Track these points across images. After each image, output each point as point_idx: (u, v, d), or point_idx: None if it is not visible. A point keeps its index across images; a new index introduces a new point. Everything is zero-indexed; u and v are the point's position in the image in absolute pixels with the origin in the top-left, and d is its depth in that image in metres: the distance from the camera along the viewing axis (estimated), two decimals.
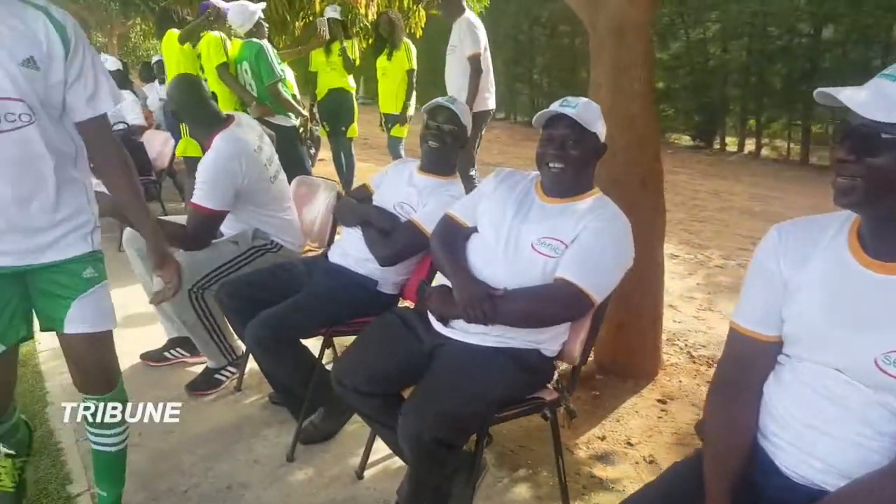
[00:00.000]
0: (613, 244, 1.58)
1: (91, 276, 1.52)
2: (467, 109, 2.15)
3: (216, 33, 4.02)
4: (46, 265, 1.46)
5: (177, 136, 4.47)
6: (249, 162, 2.38)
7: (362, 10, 5.80)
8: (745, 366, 1.16)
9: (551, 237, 1.59)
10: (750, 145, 8.40)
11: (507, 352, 1.60)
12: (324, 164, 6.54)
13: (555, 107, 1.64)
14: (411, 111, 5.29)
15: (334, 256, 2.23)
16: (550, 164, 1.63)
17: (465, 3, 4.21)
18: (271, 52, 4.04)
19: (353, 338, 1.86)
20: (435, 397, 1.51)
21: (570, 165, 1.62)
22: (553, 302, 1.55)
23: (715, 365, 2.89)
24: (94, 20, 9.96)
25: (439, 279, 1.77)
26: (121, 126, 4.87)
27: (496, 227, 1.67)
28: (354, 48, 5.35)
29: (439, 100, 2.11)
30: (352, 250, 2.17)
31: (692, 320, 3.34)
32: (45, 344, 2.85)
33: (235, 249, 2.44)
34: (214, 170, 2.29)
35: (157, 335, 2.82)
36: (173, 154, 4.50)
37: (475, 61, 4.06)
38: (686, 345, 3.06)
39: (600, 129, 1.66)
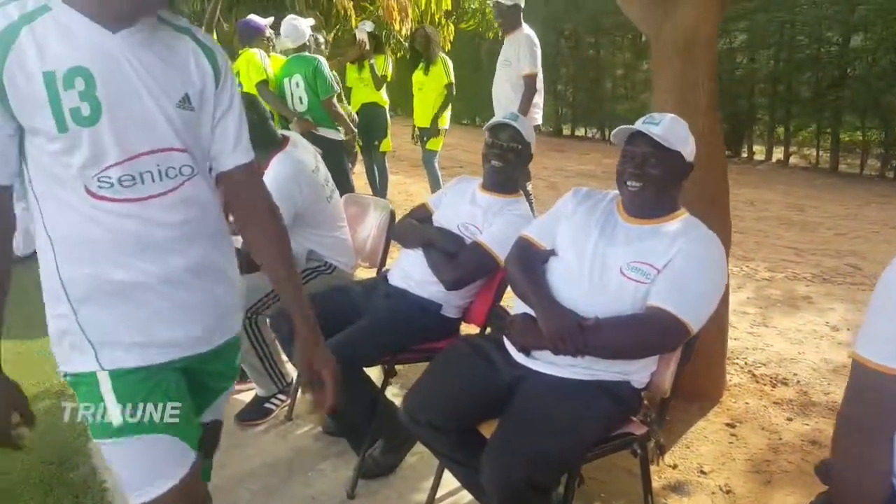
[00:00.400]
0: (710, 269, 1.51)
1: (238, 362, 1.31)
2: (530, 125, 2.07)
3: (254, 50, 4.02)
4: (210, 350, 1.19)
5: None
6: (309, 183, 2.32)
7: (396, 26, 5.78)
8: (880, 407, 1.05)
9: (642, 261, 1.51)
10: (778, 153, 8.26)
11: (597, 384, 1.51)
12: (355, 177, 6.54)
13: (637, 124, 1.57)
14: (446, 124, 5.26)
15: (394, 279, 2.15)
16: (628, 183, 1.57)
17: (521, 17, 4.11)
18: (327, 66, 4.03)
19: (410, 366, 1.79)
20: (524, 435, 1.42)
21: (650, 185, 1.55)
22: (649, 332, 1.47)
23: (779, 384, 2.83)
24: None
25: (514, 305, 1.69)
26: None
27: (579, 250, 1.59)
28: (386, 64, 5.33)
29: (501, 117, 2.04)
30: (414, 273, 2.09)
31: (748, 337, 3.22)
32: None
33: None
34: (275, 190, 2.23)
35: None
36: None
37: (531, 80, 3.96)
38: (746, 363, 2.94)
39: (685, 148, 1.58)
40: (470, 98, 9.94)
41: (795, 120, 8.01)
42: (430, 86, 5.19)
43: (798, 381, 2.78)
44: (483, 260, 1.93)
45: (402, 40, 6.18)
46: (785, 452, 2.28)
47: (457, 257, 1.98)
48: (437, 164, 5.44)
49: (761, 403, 2.60)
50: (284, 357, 2.36)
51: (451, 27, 6.49)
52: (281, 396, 2.44)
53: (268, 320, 2.28)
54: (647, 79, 9.65)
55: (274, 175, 2.26)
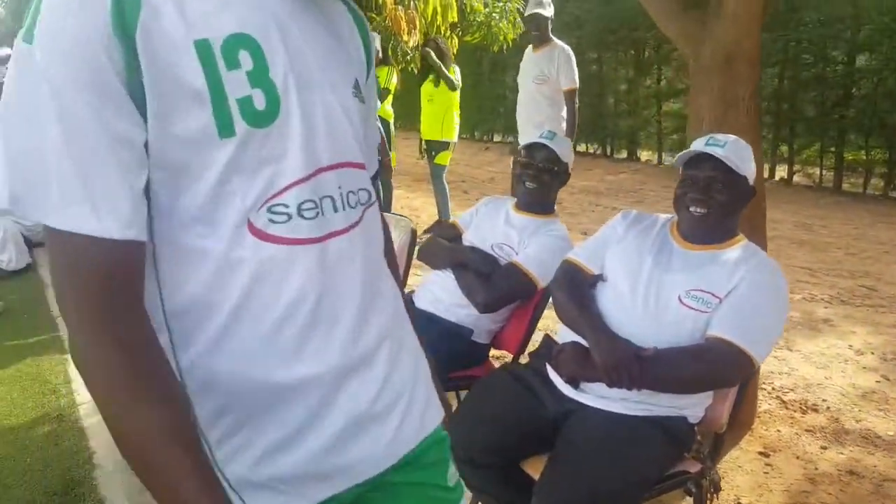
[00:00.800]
0: (774, 298, 1.43)
1: (455, 479, 0.89)
2: (568, 144, 1.99)
3: None
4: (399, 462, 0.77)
5: None
6: None
7: (404, 38, 5.71)
8: None
9: (702, 290, 1.43)
10: (781, 172, 8.26)
11: (653, 420, 1.42)
12: None
13: (698, 145, 1.48)
14: (454, 137, 5.20)
15: (422, 302, 2.05)
16: (692, 209, 1.48)
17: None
18: None
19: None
20: (577, 475, 1.32)
21: (716, 210, 1.46)
22: (712, 365, 1.38)
23: (809, 410, 2.75)
24: None
25: (557, 331, 1.60)
26: None
27: (632, 276, 1.50)
28: (391, 76, 5.25)
29: (537, 136, 1.96)
30: (443, 295, 1.99)
31: (773, 361, 3.13)
32: (85, 395, 2.67)
33: None
34: None
35: None
36: None
37: (572, 95, 3.83)
38: (773, 388, 2.86)
39: (750, 171, 1.50)
40: (471, 112, 9.90)
41: (799, 138, 8.02)
42: (440, 97, 5.10)
43: (828, 408, 2.70)
44: (519, 281, 1.84)
45: (408, 52, 6.09)
46: (823, 483, 2.19)
47: (491, 279, 1.89)
48: (445, 180, 5.36)
49: (793, 431, 2.51)
50: None
51: (456, 39, 6.43)
52: None
53: None
54: (649, 94, 9.68)
55: None
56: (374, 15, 5.53)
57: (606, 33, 9.47)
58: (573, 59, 3.87)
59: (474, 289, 1.90)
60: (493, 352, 2.11)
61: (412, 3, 5.98)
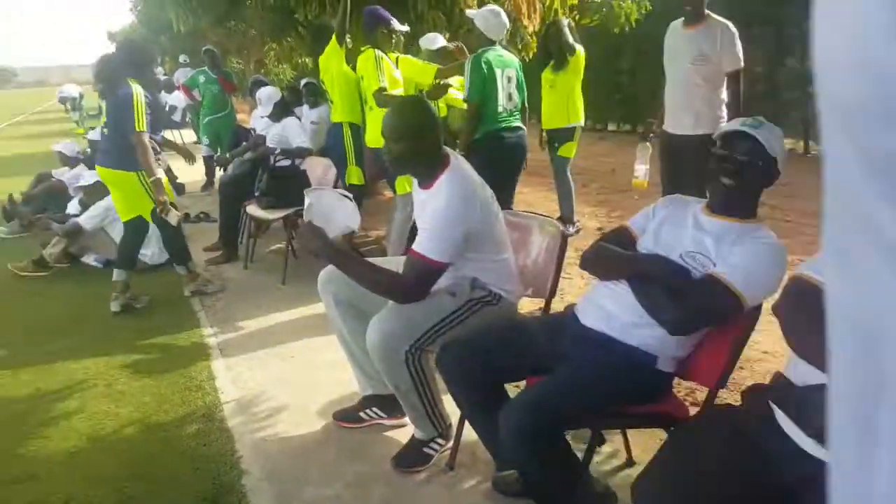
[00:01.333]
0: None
1: None
2: (779, 133, 1.64)
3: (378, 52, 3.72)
4: None
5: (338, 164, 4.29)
6: (482, 203, 2.03)
7: (525, 22, 5.42)
8: None
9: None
10: None
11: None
12: None
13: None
14: (581, 119, 4.93)
15: (589, 318, 1.79)
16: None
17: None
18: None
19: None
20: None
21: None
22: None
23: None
24: (234, 46, 10.42)
25: (788, 364, 1.28)
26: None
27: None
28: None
29: (739, 124, 1.63)
30: (617, 312, 1.72)
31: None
32: (229, 394, 2.66)
33: (453, 303, 2.08)
34: (447, 217, 1.96)
35: (348, 388, 2.54)
36: (335, 181, 4.33)
37: (737, 77, 3.39)
38: None
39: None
40: (584, 100, 9.40)
41: None
42: (562, 83, 4.76)
43: None
44: (720, 298, 1.53)
45: (529, 37, 5.79)
46: None
47: (684, 294, 1.60)
48: (569, 173, 5.03)
49: None
50: (445, 396, 2.09)
51: (573, 23, 6.05)
52: (440, 441, 2.16)
53: (434, 355, 2.01)
54: (793, 76, 8.68)
55: (446, 198, 1.98)
56: (489, 1, 5.28)
57: (747, 10, 8.55)
58: (737, 36, 3.39)
59: (662, 305, 1.61)
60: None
61: None
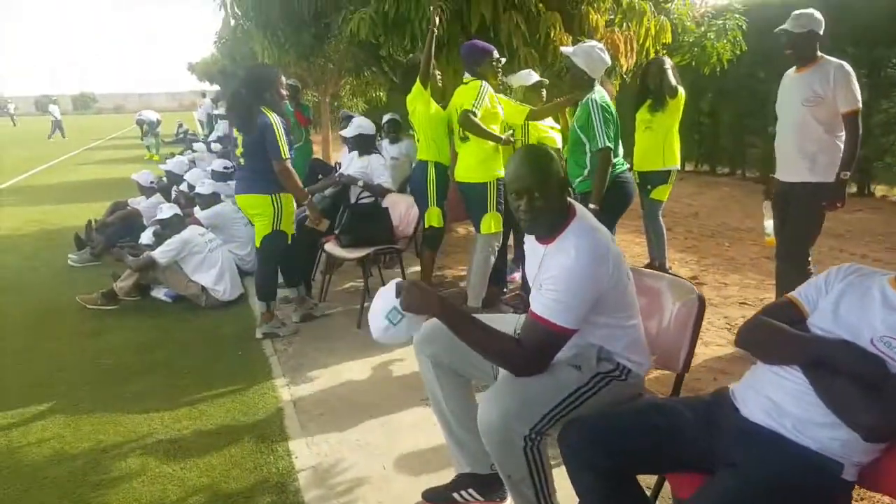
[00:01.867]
0: None
1: None
2: None
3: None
4: None
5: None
6: (615, 259, 1.72)
7: (622, 61, 5.15)
8: None
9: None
10: None
11: None
12: None
13: None
14: (678, 163, 4.66)
15: (751, 409, 1.44)
16: None
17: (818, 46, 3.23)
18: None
19: None
20: None
21: None
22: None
23: None
24: (312, 80, 10.60)
25: None
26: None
27: None
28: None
29: None
30: (789, 406, 1.37)
31: None
32: (303, 459, 2.38)
33: (578, 377, 1.75)
34: (578, 277, 1.65)
35: (436, 458, 2.23)
36: (418, 221, 4.10)
37: (855, 118, 3.07)
38: None
39: None
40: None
41: None
42: (659, 124, 4.51)
43: None
44: None
45: (624, 76, 5.50)
46: None
47: (882, 390, 1.25)
48: (661, 218, 4.67)
49: None
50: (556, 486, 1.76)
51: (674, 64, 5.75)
52: None
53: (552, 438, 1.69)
54: (888, 120, 8.05)
55: (577, 253, 1.68)
56: (584, 39, 5.03)
57: (837, 51, 8.02)
58: (853, 76, 3.05)
59: (855, 405, 1.27)
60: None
61: (625, 24, 5.39)
